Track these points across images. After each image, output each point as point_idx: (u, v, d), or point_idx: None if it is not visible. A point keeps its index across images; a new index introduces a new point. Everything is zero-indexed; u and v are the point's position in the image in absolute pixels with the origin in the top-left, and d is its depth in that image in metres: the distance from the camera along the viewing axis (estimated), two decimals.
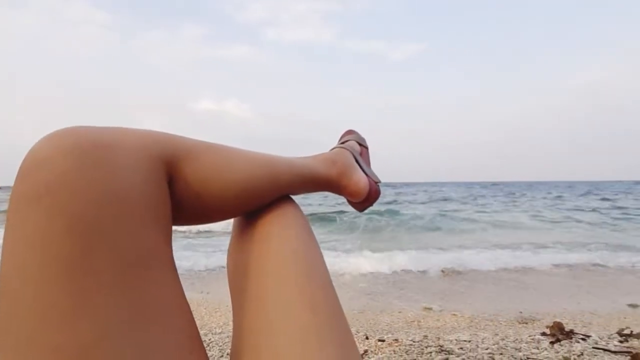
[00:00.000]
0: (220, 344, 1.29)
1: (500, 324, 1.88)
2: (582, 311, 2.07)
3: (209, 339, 1.34)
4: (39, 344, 0.23)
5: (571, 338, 1.16)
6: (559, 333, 1.18)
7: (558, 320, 1.33)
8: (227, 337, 1.38)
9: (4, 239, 0.26)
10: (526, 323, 1.89)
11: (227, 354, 1.18)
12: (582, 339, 1.16)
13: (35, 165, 0.27)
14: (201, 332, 1.45)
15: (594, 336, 1.19)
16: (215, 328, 1.76)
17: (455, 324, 1.88)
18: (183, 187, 0.35)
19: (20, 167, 0.27)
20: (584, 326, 1.78)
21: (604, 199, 12.65)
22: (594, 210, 8.82)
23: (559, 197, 14.85)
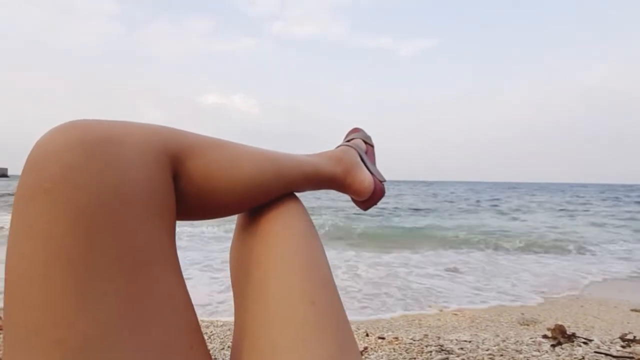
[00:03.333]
0: (222, 336, 1.30)
1: (502, 324, 1.88)
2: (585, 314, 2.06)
3: (211, 332, 1.35)
4: (43, 336, 0.23)
5: (573, 342, 1.15)
6: (561, 336, 1.17)
7: (560, 323, 1.33)
8: (229, 329, 1.39)
9: (10, 230, 0.26)
10: (528, 325, 1.88)
11: (228, 347, 1.19)
12: (584, 342, 1.15)
13: (41, 158, 0.27)
14: (203, 325, 1.46)
15: (596, 340, 1.18)
16: (217, 321, 1.78)
17: (456, 323, 1.88)
18: (187, 183, 0.35)
19: (27, 159, 0.27)
20: (586, 330, 1.77)
21: None
22: None
23: None
